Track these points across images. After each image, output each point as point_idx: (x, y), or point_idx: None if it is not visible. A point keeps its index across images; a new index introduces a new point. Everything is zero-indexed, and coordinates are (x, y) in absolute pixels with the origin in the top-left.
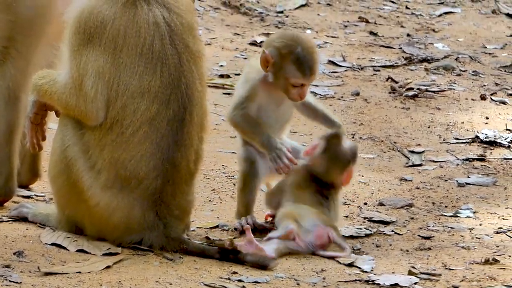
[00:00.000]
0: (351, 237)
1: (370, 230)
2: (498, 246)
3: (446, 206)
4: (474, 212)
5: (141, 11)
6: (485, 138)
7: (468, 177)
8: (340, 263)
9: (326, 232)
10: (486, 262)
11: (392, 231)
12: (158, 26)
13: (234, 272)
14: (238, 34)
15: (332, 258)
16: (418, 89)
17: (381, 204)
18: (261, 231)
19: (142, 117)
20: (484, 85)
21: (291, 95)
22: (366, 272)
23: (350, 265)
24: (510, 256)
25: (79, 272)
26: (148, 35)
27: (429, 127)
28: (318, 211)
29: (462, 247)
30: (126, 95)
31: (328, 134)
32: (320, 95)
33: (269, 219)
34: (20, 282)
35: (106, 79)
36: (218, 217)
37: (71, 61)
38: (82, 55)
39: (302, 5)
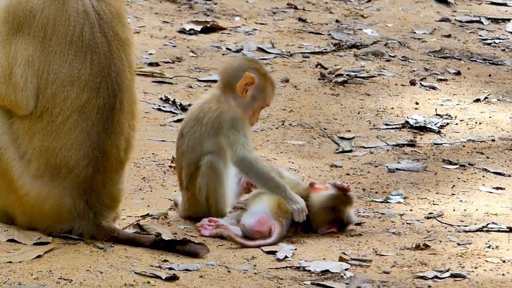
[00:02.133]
0: None
1: None
2: (428, 232)
3: (376, 192)
4: (404, 198)
5: (71, 0)
6: (415, 123)
7: (398, 162)
8: (263, 251)
9: (270, 223)
10: (417, 247)
11: None
12: (88, 15)
13: (165, 260)
14: (167, 22)
15: (257, 247)
16: (347, 75)
17: None
18: None
19: (72, 105)
20: (414, 71)
21: (254, 120)
22: (299, 259)
23: (270, 252)
24: (440, 241)
25: (10, 262)
26: (77, 24)
27: (359, 113)
28: (277, 202)
29: (393, 232)
30: (56, 84)
31: (343, 187)
32: None
33: None
34: None
35: (36, 67)
36: (148, 205)
37: (0, 50)
38: (12, 44)
39: None
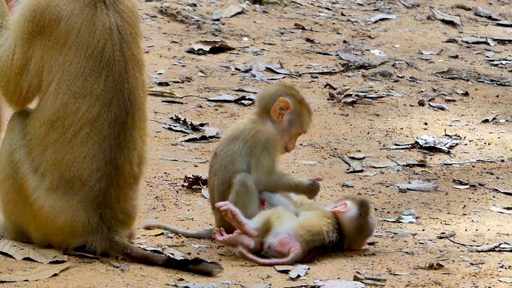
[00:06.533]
0: None
1: None
2: (441, 251)
3: (388, 212)
4: (416, 218)
5: (100, 13)
6: (425, 143)
7: (409, 182)
8: (277, 270)
9: (291, 245)
10: (430, 267)
11: None
12: (112, 32)
13: (181, 279)
14: (175, 42)
15: (270, 265)
16: (356, 95)
17: None
18: None
19: (83, 118)
20: (422, 91)
21: (290, 146)
22: (314, 279)
23: (284, 271)
24: (453, 261)
25: (27, 280)
26: (101, 38)
27: (368, 133)
28: (304, 225)
29: (406, 252)
30: (68, 94)
31: (360, 200)
32: None
33: None
34: None
35: (45, 75)
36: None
37: (17, 44)
38: (30, 45)
39: (238, 13)
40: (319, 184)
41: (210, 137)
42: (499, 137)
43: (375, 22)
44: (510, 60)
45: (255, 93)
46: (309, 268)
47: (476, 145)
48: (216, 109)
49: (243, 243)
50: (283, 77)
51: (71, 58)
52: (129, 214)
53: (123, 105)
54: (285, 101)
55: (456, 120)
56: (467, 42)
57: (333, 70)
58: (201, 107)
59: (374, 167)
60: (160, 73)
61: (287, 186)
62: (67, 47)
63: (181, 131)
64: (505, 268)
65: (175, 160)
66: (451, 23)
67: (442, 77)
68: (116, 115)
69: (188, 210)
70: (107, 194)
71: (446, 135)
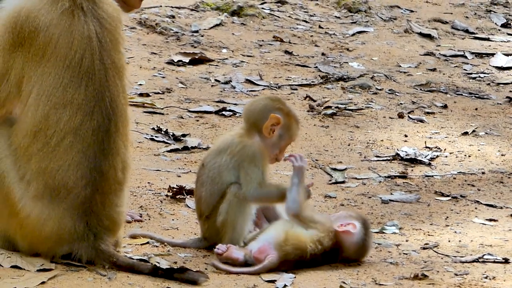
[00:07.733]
0: None
1: None
2: (425, 262)
3: (371, 223)
4: (399, 229)
5: (78, 22)
6: (406, 155)
7: (391, 194)
8: (263, 279)
9: (268, 252)
10: (415, 277)
11: None
12: (91, 41)
13: None
14: (155, 53)
15: (243, 273)
16: (336, 107)
17: None
18: None
19: (66, 127)
20: (401, 104)
21: (281, 156)
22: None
23: (270, 281)
24: (438, 271)
25: None
26: (79, 48)
27: (349, 145)
28: (287, 236)
29: (391, 262)
30: (48, 105)
31: (363, 219)
32: (240, 113)
33: None
34: None
35: (25, 85)
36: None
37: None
38: (11, 56)
39: (217, 25)
40: (311, 191)
41: (192, 147)
42: (479, 150)
43: (353, 34)
44: (487, 73)
45: (235, 104)
46: (295, 277)
47: (456, 157)
48: (197, 120)
49: (231, 257)
50: (263, 89)
51: (50, 69)
52: (115, 220)
53: (105, 113)
54: (277, 118)
55: (436, 133)
56: (444, 55)
57: (312, 82)
58: (182, 118)
59: (356, 178)
60: (140, 84)
61: (281, 196)
62: (46, 59)
63: (163, 141)
64: (490, 278)
65: (158, 170)
66: (428, 36)
67: (420, 89)
68: (99, 123)
69: (173, 220)
70: (92, 201)
71: (426, 147)
